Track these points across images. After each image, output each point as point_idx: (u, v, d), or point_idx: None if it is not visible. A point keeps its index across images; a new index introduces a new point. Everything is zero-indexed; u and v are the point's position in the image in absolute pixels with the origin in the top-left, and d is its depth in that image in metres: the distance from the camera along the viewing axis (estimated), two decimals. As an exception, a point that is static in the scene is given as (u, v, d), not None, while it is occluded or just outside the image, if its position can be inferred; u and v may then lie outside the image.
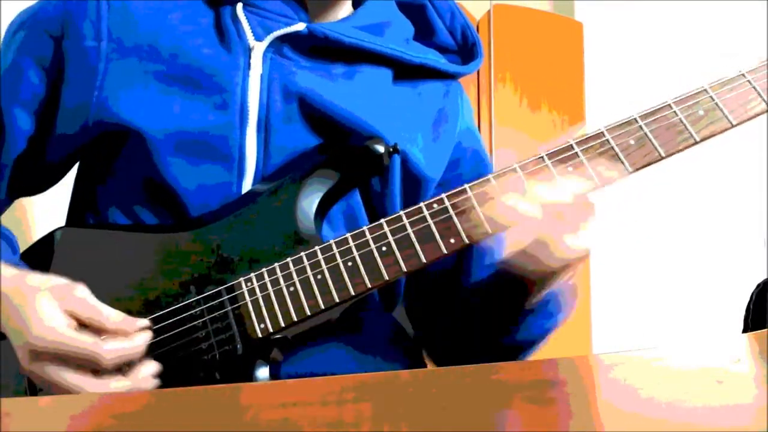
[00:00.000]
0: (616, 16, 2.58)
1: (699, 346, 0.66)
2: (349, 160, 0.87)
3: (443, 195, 0.80)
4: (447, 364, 1.03)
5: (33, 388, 0.81)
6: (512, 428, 0.48)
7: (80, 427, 0.53)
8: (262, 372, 0.80)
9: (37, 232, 1.43)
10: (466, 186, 0.80)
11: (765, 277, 1.16)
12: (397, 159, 0.91)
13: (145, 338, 0.78)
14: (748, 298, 1.13)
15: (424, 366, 1.00)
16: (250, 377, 0.80)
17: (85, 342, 0.75)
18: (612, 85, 2.36)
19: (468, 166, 1.00)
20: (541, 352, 0.98)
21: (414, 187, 0.95)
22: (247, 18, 0.91)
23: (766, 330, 0.97)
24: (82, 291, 0.78)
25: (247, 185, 0.88)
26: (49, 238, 0.90)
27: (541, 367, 0.63)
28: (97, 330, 0.77)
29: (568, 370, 0.61)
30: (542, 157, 0.80)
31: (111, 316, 0.77)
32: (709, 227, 2.46)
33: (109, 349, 0.75)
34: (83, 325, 0.77)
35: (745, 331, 1.13)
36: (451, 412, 0.50)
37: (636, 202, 2.22)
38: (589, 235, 0.78)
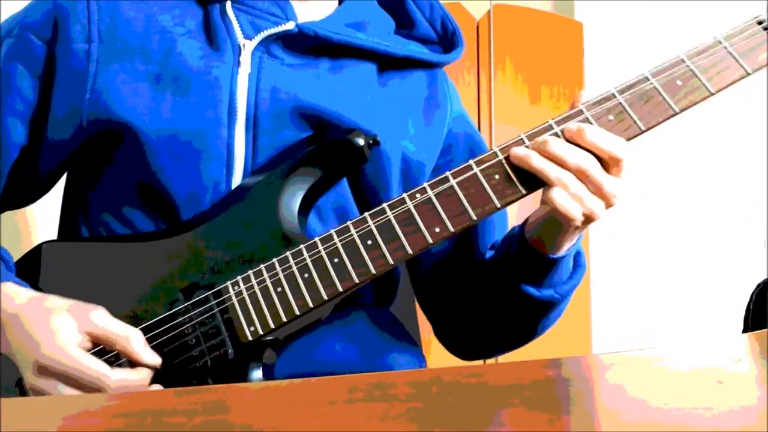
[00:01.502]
0: (616, 16, 2.58)
1: (699, 346, 0.66)
2: (329, 154, 0.87)
3: (425, 184, 0.80)
4: (473, 352, 1.03)
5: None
6: (513, 428, 0.48)
7: (80, 427, 0.53)
8: (256, 374, 0.80)
9: (38, 239, 1.43)
10: (448, 174, 0.80)
11: (765, 277, 1.16)
12: (390, 151, 0.91)
13: (150, 373, 0.79)
14: (748, 298, 1.13)
15: (423, 361, 1.00)
16: (243, 380, 0.80)
17: (95, 369, 0.76)
18: (612, 84, 2.36)
19: (461, 150, 1.01)
20: (540, 352, 0.98)
21: (411, 176, 0.95)
22: (236, 16, 0.91)
23: (766, 330, 0.98)
24: (100, 312, 0.79)
25: (236, 183, 0.88)
26: (35, 251, 0.90)
27: (541, 367, 0.63)
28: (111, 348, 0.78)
29: (568, 370, 0.61)
30: (522, 138, 0.80)
31: (133, 340, 0.78)
32: (710, 227, 2.46)
33: (116, 380, 0.76)
34: (97, 345, 0.78)
35: (745, 331, 1.13)
36: (452, 411, 0.50)
37: (636, 202, 2.22)
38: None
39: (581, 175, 0.77)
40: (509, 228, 1.02)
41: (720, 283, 2.39)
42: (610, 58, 2.52)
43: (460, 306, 0.99)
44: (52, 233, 0.99)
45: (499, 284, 0.90)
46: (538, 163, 0.78)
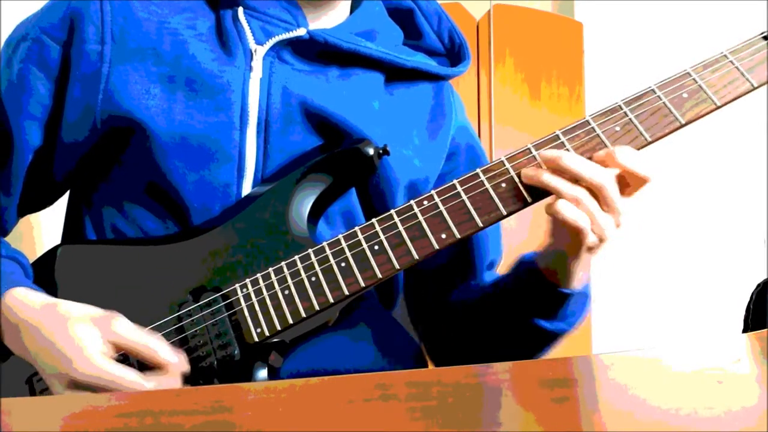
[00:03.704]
0: (616, 16, 2.58)
1: (699, 346, 0.66)
2: (340, 163, 0.88)
3: (433, 191, 0.81)
4: (449, 363, 1.03)
5: None
6: (513, 428, 0.48)
7: (80, 427, 0.53)
8: (261, 374, 0.81)
9: (42, 240, 1.43)
10: (455, 181, 0.81)
11: (765, 277, 1.16)
12: (394, 160, 0.92)
13: (179, 374, 0.79)
14: (748, 298, 1.13)
15: (424, 363, 1.00)
16: (249, 381, 0.80)
17: (131, 381, 0.76)
18: (612, 85, 2.36)
19: (463, 159, 1.02)
20: (540, 352, 0.98)
21: (414, 185, 0.96)
22: (247, 22, 0.92)
23: (766, 330, 0.98)
24: (123, 322, 0.79)
25: (247, 186, 0.88)
26: (51, 254, 0.90)
27: (541, 367, 0.63)
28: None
29: (568, 370, 0.61)
30: (529, 149, 0.81)
31: (160, 350, 0.78)
32: (710, 227, 2.46)
33: (153, 387, 0.76)
34: (123, 354, 0.79)
35: (745, 331, 1.13)
36: (452, 411, 0.50)
37: (636, 202, 2.22)
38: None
39: (596, 191, 0.78)
40: (503, 248, 1.04)
41: (720, 283, 2.39)
42: (610, 58, 2.52)
43: (456, 324, 0.99)
44: (56, 233, 1.00)
45: (508, 313, 0.91)
46: (549, 179, 0.78)
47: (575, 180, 0.78)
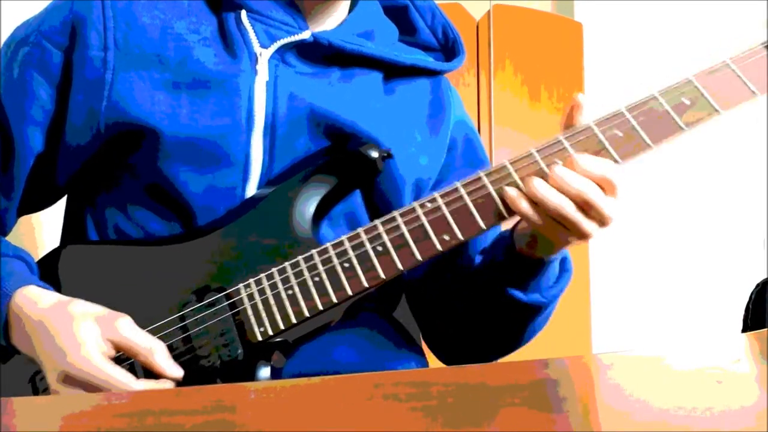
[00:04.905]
0: (616, 17, 2.58)
1: (699, 346, 0.67)
2: (344, 165, 0.88)
3: (436, 194, 0.81)
4: (461, 359, 1.02)
5: None
6: (513, 428, 0.48)
7: (80, 427, 0.53)
8: (264, 373, 0.81)
9: (43, 239, 1.43)
10: (458, 184, 0.81)
11: (765, 277, 1.16)
12: (399, 159, 0.92)
13: (173, 384, 0.79)
14: (747, 298, 1.13)
15: (425, 362, 1.00)
16: (252, 381, 0.80)
17: (119, 380, 0.76)
18: (611, 85, 2.37)
19: (460, 152, 1.02)
20: (540, 352, 0.98)
21: (419, 182, 0.97)
22: (252, 26, 0.92)
23: (765, 330, 0.98)
24: (126, 322, 0.79)
25: (251, 188, 0.89)
26: (55, 254, 0.91)
27: (541, 367, 0.63)
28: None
29: (568, 370, 0.61)
30: (531, 153, 0.81)
31: (157, 354, 0.78)
32: (709, 227, 2.46)
33: (140, 390, 0.77)
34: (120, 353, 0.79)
35: (744, 330, 1.13)
36: (452, 411, 0.51)
37: (636, 202, 2.22)
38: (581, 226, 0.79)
39: (583, 204, 0.78)
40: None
41: (720, 283, 2.39)
42: (610, 58, 2.52)
43: (450, 312, 0.99)
44: (56, 233, 1.00)
45: (486, 289, 0.91)
46: (525, 207, 0.79)
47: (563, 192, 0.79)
